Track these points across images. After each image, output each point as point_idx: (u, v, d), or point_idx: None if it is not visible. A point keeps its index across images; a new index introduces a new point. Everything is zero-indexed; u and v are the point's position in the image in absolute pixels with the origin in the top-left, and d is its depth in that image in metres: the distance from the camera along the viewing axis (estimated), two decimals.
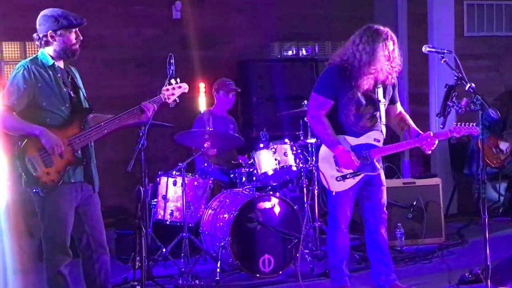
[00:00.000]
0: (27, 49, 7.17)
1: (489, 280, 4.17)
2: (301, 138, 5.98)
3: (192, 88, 7.59)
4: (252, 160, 5.86)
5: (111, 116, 4.29)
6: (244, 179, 5.89)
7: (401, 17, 8.21)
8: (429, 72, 7.73)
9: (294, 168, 5.75)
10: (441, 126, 4.49)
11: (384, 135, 4.78)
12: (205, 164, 6.03)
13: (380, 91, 4.71)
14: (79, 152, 4.20)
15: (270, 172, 5.73)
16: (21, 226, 6.13)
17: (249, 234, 5.48)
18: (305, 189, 5.94)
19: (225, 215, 5.49)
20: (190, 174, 5.88)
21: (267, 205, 5.56)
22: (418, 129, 4.81)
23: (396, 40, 4.64)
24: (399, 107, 4.95)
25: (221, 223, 5.49)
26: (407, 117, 4.92)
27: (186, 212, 5.58)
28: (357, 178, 4.72)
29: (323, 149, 4.77)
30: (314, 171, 5.82)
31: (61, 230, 4.18)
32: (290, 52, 8.38)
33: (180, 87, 4.46)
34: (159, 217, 5.83)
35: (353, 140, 4.70)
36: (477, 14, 7.93)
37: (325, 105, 4.69)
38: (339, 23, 8.02)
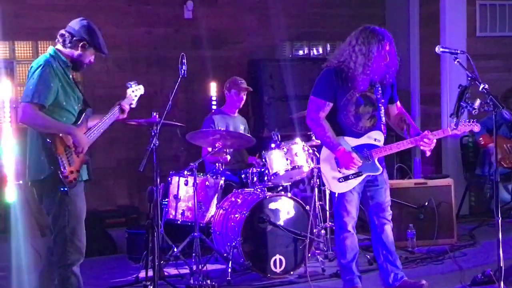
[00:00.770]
0: (39, 49, 7.20)
1: (502, 282, 4.17)
2: (313, 138, 5.98)
3: (203, 87, 7.69)
4: (263, 160, 5.86)
5: (100, 116, 4.41)
6: (255, 179, 5.89)
7: (413, 17, 8.19)
8: (441, 72, 7.71)
9: (305, 169, 5.75)
10: (455, 127, 4.49)
11: (385, 135, 4.79)
12: (217, 165, 6.03)
13: (378, 91, 4.72)
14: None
15: (282, 172, 5.73)
16: (33, 225, 6.18)
17: (260, 234, 5.49)
18: (316, 189, 5.93)
19: (237, 215, 5.50)
20: (201, 174, 5.89)
21: (278, 205, 5.57)
22: (418, 128, 4.84)
23: (392, 40, 4.64)
24: (398, 107, 4.97)
25: (233, 223, 5.50)
26: (407, 116, 4.94)
27: (197, 212, 5.60)
28: (359, 179, 4.74)
29: (324, 151, 4.78)
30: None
31: (80, 229, 4.22)
32: (301, 52, 8.38)
33: (139, 89, 4.70)
34: (171, 216, 5.84)
35: (353, 141, 4.73)
36: (490, 14, 7.89)
37: (324, 108, 4.71)
38: (351, 23, 7.97)
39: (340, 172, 4.71)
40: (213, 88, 7.65)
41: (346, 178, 4.72)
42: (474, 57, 4.54)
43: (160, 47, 7.63)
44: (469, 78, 4.37)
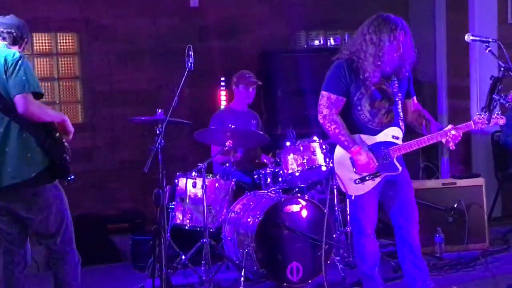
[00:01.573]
0: (58, 41, 7.28)
1: None
2: None
3: (212, 82, 7.69)
4: (277, 159, 5.85)
5: None
6: (269, 180, 5.88)
7: (439, 2, 8.14)
8: (470, 63, 7.68)
9: (323, 168, 5.73)
10: (486, 122, 4.48)
11: (404, 131, 4.76)
12: (226, 165, 6.03)
13: (395, 84, 4.72)
14: None
15: (298, 173, 5.72)
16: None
17: (275, 240, 5.48)
18: (335, 190, 5.92)
19: (249, 220, 5.50)
20: (210, 175, 5.89)
21: (294, 208, 5.57)
22: (439, 124, 4.83)
23: (408, 30, 4.62)
24: (415, 102, 4.95)
25: (245, 228, 5.50)
26: (425, 112, 4.92)
27: (206, 216, 5.60)
28: (377, 180, 4.72)
29: (338, 150, 4.76)
30: None
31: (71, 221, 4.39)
32: (317, 42, 8.35)
33: None
34: (178, 221, 5.84)
35: (369, 139, 4.71)
36: None
37: (337, 103, 4.70)
38: (371, 9, 7.93)
39: (356, 173, 4.70)
40: (222, 83, 7.64)
41: (362, 179, 4.69)
42: (505, 46, 4.52)
43: (164, 38, 7.63)
44: (502, 69, 4.35)
